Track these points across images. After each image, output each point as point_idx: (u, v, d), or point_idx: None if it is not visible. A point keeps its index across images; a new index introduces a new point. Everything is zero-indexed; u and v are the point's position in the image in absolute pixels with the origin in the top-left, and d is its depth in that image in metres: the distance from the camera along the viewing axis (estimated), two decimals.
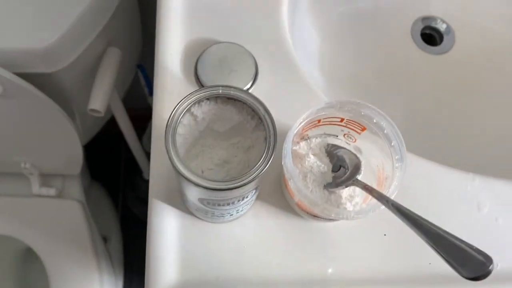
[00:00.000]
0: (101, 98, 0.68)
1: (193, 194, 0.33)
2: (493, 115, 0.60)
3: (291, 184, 0.36)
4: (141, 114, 1.02)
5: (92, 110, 0.68)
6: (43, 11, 0.61)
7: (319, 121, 0.39)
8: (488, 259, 0.26)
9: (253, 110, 0.33)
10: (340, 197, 0.41)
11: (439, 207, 0.44)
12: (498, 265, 0.43)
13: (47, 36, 0.60)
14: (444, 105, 0.61)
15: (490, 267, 0.25)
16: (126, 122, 0.83)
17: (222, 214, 0.38)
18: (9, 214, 0.85)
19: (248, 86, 0.46)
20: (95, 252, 0.85)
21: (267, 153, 0.31)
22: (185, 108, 0.31)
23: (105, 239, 1.06)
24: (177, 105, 0.31)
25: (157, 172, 0.43)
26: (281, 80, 0.47)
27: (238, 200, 0.34)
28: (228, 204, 0.34)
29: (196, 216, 0.42)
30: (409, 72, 0.64)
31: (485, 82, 0.63)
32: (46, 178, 0.88)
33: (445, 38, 0.66)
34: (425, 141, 0.57)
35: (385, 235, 0.43)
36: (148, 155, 1.03)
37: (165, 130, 0.30)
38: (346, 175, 0.40)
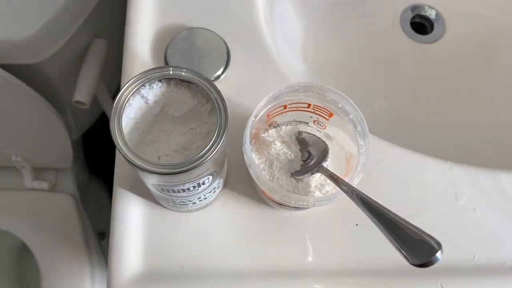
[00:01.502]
0: (86, 90, 0.67)
1: (145, 180, 0.33)
2: (483, 103, 0.58)
3: (250, 171, 0.34)
4: None
5: (77, 102, 0.68)
6: (23, 1, 0.60)
7: (285, 106, 0.38)
8: (438, 245, 0.24)
9: (207, 93, 0.32)
10: (309, 185, 0.40)
11: (415, 197, 0.43)
12: (476, 256, 0.41)
13: (28, 26, 0.59)
14: (433, 94, 0.59)
15: (438, 254, 0.24)
16: None
17: (183, 202, 0.37)
18: (2, 207, 0.85)
19: (219, 72, 0.44)
20: (87, 246, 0.84)
21: (217, 136, 0.30)
22: (133, 90, 0.30)
23: (103, 235, 1.06)
24: (124, 86, 0.30)
25: (122, 160, 0.42)
26: (254, 66, 0.46)
27: (194, 187, 0.33)
28: (184, 191, 0.33)
29: (161, 205, 0.41)
30: (397, 61, 0.63)
31: (476, 70, 0.61)
32: (38, 171, 0.88)
33: (436, 26, 0.64)
34: (410, 130, 0.56)
35: (356, 225, 0.41)
36: None
37: (111, 112, 0.29)
38: (312, 162, 0.39)
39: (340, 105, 0.36)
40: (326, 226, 0.42)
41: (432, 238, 0.25)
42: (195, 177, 0.31)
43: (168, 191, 0.33)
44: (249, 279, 0.39)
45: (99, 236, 0.99)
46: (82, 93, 0.67)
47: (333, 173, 0.35)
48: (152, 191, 0.36)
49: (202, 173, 0.31)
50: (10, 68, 0.62)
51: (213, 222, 0.41)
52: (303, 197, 0.33)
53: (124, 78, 0.44)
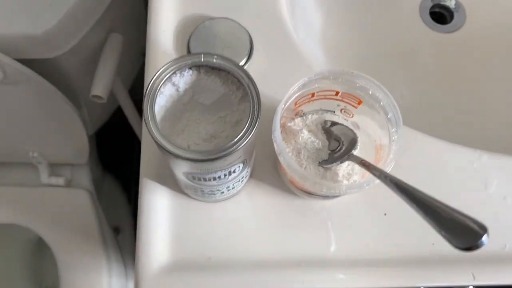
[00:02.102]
0: (103, 84, 0.67)
1: (177, 168, 0.32)
2: (505, 92, 0.57)
3: (280, 159, 0.34)
4: None
5: (95, 96, 0.68)
6: None
7: (313, 94, 0.38)
8: (483, 229, 0.24)
9: (238, 80, 0.31)
10: (337, 174, 0.39)
11: (444, 185, 0.42)
12: (507, 245, 0.40)
13: (45, 21, 0.59)
14: (454, 84, 0.59)
15: (483, 238, 0.23)
16: (132, 110, 0.83)
17: (212, 191, 0.36)
18: (18, 203, 0.86)
19: (242, 62, 0.44)
20: (103, 240, 0.85)
21: (250, 123, 0.29)
22: (165, 77, 0.30)
23: (117, 231, 1.07)
24: (156, 73, 0.30)
25: (148, 151, 0.42)
26: (277, 56, 0.46)
27: (225, 175, 0.33)
28: (215, 179, 0.33)
29: (188, 196, 0.40)
30: (417, 51, 0.62)
31: (496, 59, 0.60)
32: (54, 167, 0.88)
33: (456, 15, 0.63)
34: (434, 119, 0.55)
35: (385, 214, 0.41)
36: None
37: (144, 100, 0.29)
38: (341, 151, 0.38)
39: (370, 92, 0.35)
40: (353, 216, 0.41)
41: (476, 222, 0.24)
42: (227, 165, 0.31)
43: (199, 179, 0.33)
44: (275, 269, 0.39)
45: (114, 231, 0.99)
46: (100, 88, 0.67)
47: (364, 160, 0.35)
48: (181, 181, 0.36)
49: (234, 160, 0.31)
50: (27, 63, 0.62)
51: (239, 212, 0.41)
52: (335, 185, 0.33)
53: (148, 68, 0.43)
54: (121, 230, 1.10)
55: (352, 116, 0.40)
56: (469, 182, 0.42)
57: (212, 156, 0.28)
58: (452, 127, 0.52)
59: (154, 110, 0.29)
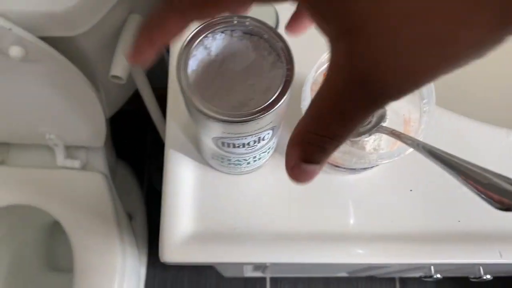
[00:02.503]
0: (123, 65, 0.67)
1: (207, 134, 0.32)
2: None
3: None
4: (164, 94, 1.01)
5: (114, 77, 0.68)
6: None
7: None
8: None
9: (270, 45, 0.31)
10: (363, 148, 0.39)
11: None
12: None
13: None
14: (478, 65, 0.58)
15: None
16: (149, 93, 0.83)
17: (238, 161, 0.36)
18: (33, 184, 0.86)
19: None
20: (118, 224, 0.85)
21: (284, 86, 0.29)
22: (197, 39, 0.30)
23: (130, 217, 1.07)
24: (190, 35, 0.30)
25: (173, 120, 0.42)
26: None
27: (255, 142, 0.32)
28: (244, 146, 0.33)
29: (213, 167, 0.40)
30: None
31: None
32: (70, 150, 0.88)
33: None
34: (458, 99, 0.55)
35: (411, 190, 0.41)
36: None
37: (177, 59, 0.29)
38: (370, 124, 0.38)
39: None
40: (377, 192, 0.41)
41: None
42: (258, 129, 0.31)
43: (228, 145, 0.32)
44: (298, 240, 0.39)
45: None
46: (119, 68, 0.67)
47: (395, 130, 0.34)
48: (209, 150, 0.35)
49: (266, 125, 0.30)
50: (47, 41, 0.62)
51: (263, 184, 0.41)
52: (366, 153, 0.33)
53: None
54: (133, 217, 1.11)
55: None
56: (497, 160, 0.42)
57: (246, 118, 0.28)
58: (477, 106, 0.52)
59: (188, 72, 0.29)
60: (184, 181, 0.40)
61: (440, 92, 0.50)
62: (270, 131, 0.33)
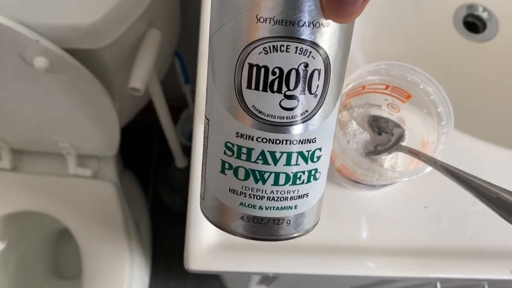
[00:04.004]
0: (142, 77, 0.69)
1: None
2: None
3: (334, 144, 0.36)
4: (175, 105, 1.03)
5: (132, 89, 0.70)
6: None
7: (363, 87, 0.40)
8: None
9: None
10: (382, 166, 0.41)
11: None
12: None
13: (93, 12, 0.62)
14: (487, 91, 0.60)
15: None
16: (163, 105, 0.85)
17: None
18: (45, 192, 0.87)
19: None
20: (127, 232, 0.86)
21: None
22: None
23: (137, 225, 1.08)
24: None
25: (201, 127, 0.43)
26: None
27: None
28: None
29: None
30: (450, 58, 0.64)
31: None
32: (82, 158, 0.90)
33: (488, 25, 0.65)
34: (469, 124, 0.57)
35: (425, 207, 0.42)
36: (181, 145, 1.04)
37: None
38: (390, 143, 0.40)
39: (421, 87, 0.37)
40: (392, 208, 0.43)
41: None
42: None
43: None
44: (313, 253, 0.41)
45: None
46: (138, 80, 0.69)
47: (413, 149, 0.36)
48: None
49: None
50: (70, 53, 0.64)
51: None
52: (388, 171, 0.34)
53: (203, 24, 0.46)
54: (138, 226, 1.12)
55: (399, 111, 0.41)
56: (508, 182, 0.43)
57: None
58: (487, 130, 0.54)
59: None
60: None
61: (457, 115, 0.52)
62: None
